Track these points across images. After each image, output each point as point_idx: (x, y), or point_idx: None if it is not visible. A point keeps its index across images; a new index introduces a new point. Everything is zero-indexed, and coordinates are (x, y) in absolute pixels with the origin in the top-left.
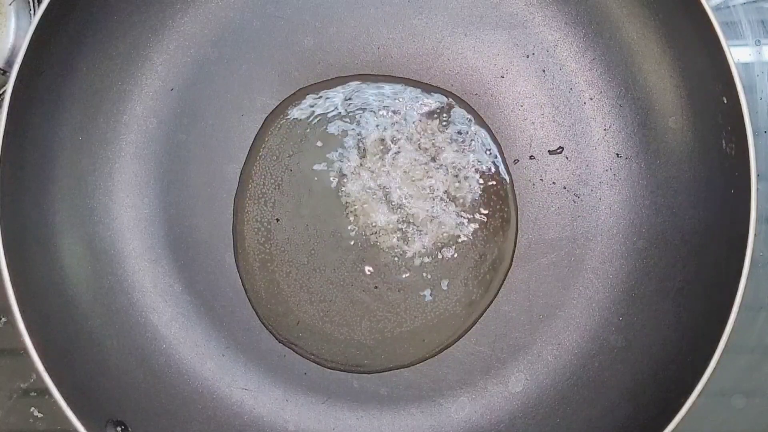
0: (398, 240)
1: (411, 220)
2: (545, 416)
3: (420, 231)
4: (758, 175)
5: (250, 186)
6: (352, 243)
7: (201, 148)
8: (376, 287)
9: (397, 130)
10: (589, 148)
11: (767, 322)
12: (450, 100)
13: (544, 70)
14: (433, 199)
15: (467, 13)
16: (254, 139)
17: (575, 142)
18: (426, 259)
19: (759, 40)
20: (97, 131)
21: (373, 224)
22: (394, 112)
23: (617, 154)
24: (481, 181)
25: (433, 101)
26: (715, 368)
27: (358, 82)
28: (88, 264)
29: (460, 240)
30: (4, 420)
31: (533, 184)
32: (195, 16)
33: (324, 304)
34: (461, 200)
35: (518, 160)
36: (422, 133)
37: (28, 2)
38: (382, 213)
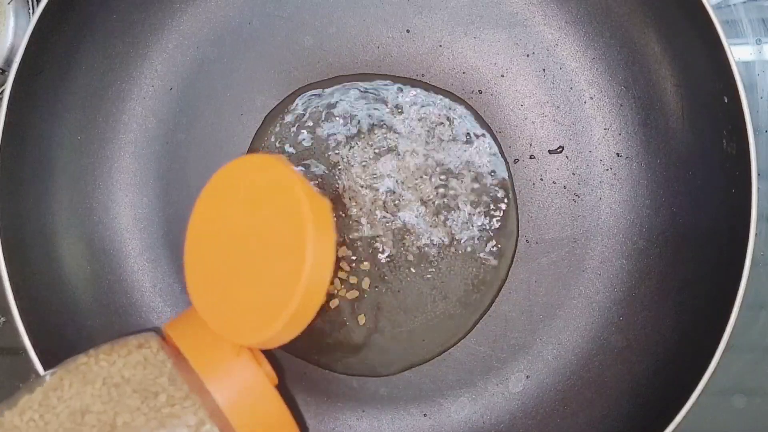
0: (398, 240)
1: (410, 220)
2: (545, 416)
3: (420, 231)
4: (759, 174)
5: None
6: (351, 243)
7: (200, 148)
8: (376, 287)
9: (397, 130)
10: (589, 147)
11: None
12: (450, 99)
13: (544, 70)
14: (433, 199)
15: (467, 12)
16: (254, 139)
17: (575, 142)
18: (426, 260)
19: (760, 39)
20: (96, 131)
21: (373, 224)
22: (394, 113)
23: (617, 154)
24: (481, 180)
25: (432, 101)
26: (715, 368)
27: (357, 82)
28: (88, 264)
29: (460, 240)
30: None
31: (533, 184)
32: (194, 15)
33: (323, 304)
34: (461, 200)
35: (518, 160)
36: (422, 132)
37: (27, 1)
38: (382, 213)
